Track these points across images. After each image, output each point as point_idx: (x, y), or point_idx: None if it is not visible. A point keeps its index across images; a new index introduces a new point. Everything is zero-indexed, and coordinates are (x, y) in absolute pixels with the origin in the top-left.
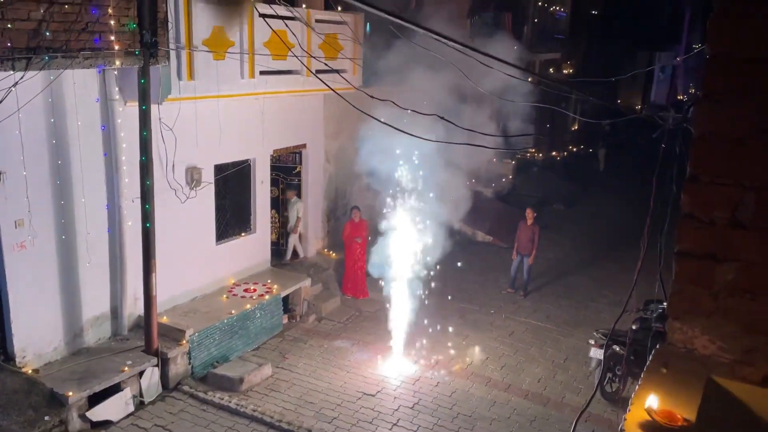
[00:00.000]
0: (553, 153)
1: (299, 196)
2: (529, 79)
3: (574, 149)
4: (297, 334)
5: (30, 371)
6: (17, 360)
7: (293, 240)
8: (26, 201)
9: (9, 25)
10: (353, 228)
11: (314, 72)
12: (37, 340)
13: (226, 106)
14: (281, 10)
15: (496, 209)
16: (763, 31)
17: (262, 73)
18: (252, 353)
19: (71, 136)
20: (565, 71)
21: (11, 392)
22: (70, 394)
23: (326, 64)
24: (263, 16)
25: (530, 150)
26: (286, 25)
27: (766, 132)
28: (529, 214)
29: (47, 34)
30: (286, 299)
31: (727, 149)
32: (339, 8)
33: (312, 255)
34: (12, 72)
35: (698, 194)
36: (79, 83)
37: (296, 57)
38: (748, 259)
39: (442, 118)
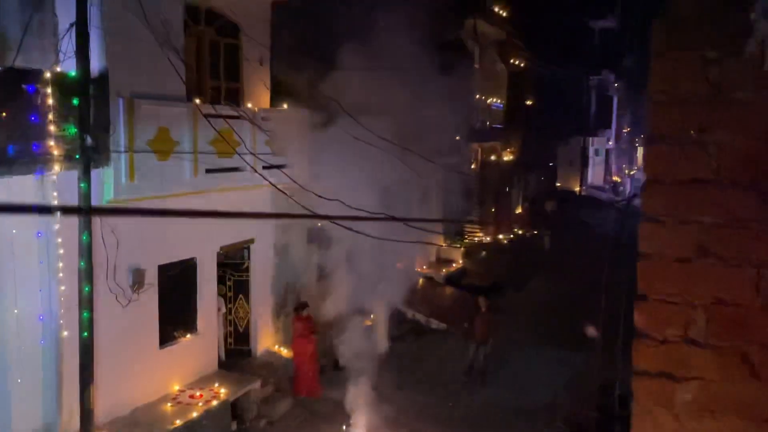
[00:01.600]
0: (500, 236)
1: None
2: (473, 167)
3: (520, 231)
4: None
5: None
6: None
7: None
8: None
9: None
10: (302, 324)
11: (260, 169)
12: None
13: (171, 204)
14: (226, 110)
15: (450, 295)
16: (696, 156)
17: (208, 170)
18: None
19: (5, 245)
20: (505, 157)
21: None
22: None
23: (267, 163)
24: (207, 116)
25: (477, 234)
26: (229, 125)
27: (709, 253)
28: (483, 302)
29: None
30: (234, 403)
31: (674, 269)
32: (285, 105)
33: (262, 352)
34: None
35: (649, 312)
36: (15, 190)
37: (240, 156)
38: (706, 377)
39: (394, 218)
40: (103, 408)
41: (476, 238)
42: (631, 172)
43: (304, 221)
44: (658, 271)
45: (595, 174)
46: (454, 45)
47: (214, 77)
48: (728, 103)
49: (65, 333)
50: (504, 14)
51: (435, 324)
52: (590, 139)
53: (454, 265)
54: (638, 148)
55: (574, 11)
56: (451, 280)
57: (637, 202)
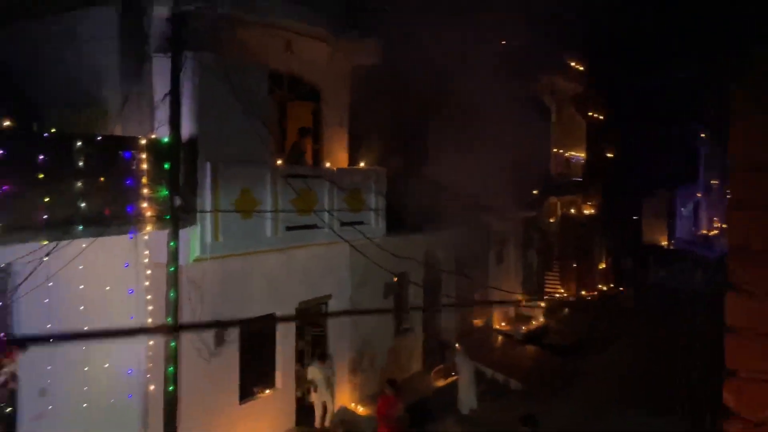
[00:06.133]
0: (582, 292)
1: (321, 352)
2: (551, 220)
3: (604, 288)
4: None
5: None
6: None
7: (321, 406)
8: (50, 370)
9: (46, 199)
10: (385, 404)
11: (336, 227)
12: None
13: (253, 261)
14: (306, 170)
15: (529, 354)
16: None
17: (288, 228)
18: None
19: (99, 301)
20: (585, 211)
21: None
22: None
23: (343, 221)
24: (288, 176)
25: (559, 290)
26: (308, 184)
27: None
28: None
29: (82, 205)
30: None
31: (766, 344)
32: (362, 164)
33: (339, 410)
34: (45, 243)
35: (740, 391)
36: (110, 249)
37: (317, 215)
38: None
39: (465, 275)
40: None
41: (557, 295)
42: (724, 225)
43: (379, 276)
44: (748, 346)
45: (683, 227)
46: (531, 100)
47: (300, 140)
48: None
49: (152, 387)
50: (581, 68)
51: (513, 384)
52: (677, 191)
53: (533, 322)
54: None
55: (657, 60)
56: (531, 338)
57: None
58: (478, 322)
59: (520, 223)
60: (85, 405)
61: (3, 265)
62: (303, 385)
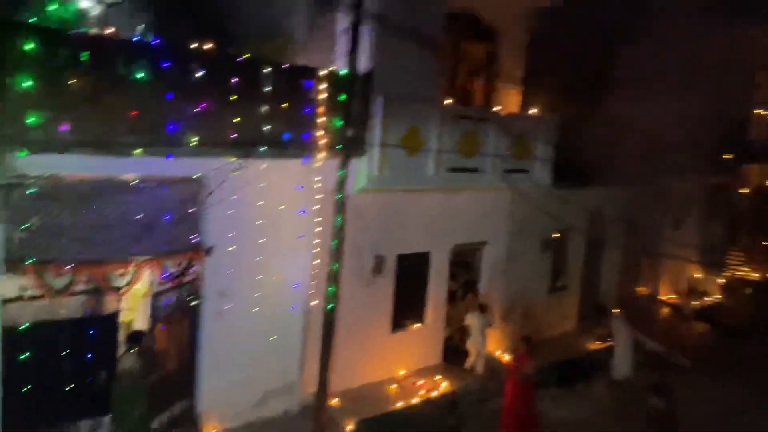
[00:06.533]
0: None
1: (482, 304)
2: (744, 190)
3: None
4: None
5: None
6: (202, 422)
7: (474, 352)
8: (230, 274)
9: (236, 119)
10: (516, 361)
11: (498, 173)
12: (220, 405)
13: (413, 198)
14: (475, 111)
15: (699, 332)
16: None
17: (450, 169)
18: None
19: (274, 218)
20: None
21: None
22: None
23: (506, 168)
24: (456, 117)
25: (743, 267)
26: (475, 128)
27: None
28: None
29: (265, 128)
30: (453, 399)
31: None
32: (533, 110)
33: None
34: (233, 159)
35: None
36: (286, 172)
37: (480, 158)
38: None
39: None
40: (337, 377)
41: (740, 272)
42: None
43: (538, 228)
44: None
45: None
46: (734, 53)
47: (469, 80)
48: None
49: (314, 303)
50: None
51: (675, 358)
52: None
53: (707, 298)
54: None
55: None
56: (703, 314)
57: None
58: (642, 290)
59: (705, 190)
60: (256, 309)
61: (197, 176)
62: (452, 326)
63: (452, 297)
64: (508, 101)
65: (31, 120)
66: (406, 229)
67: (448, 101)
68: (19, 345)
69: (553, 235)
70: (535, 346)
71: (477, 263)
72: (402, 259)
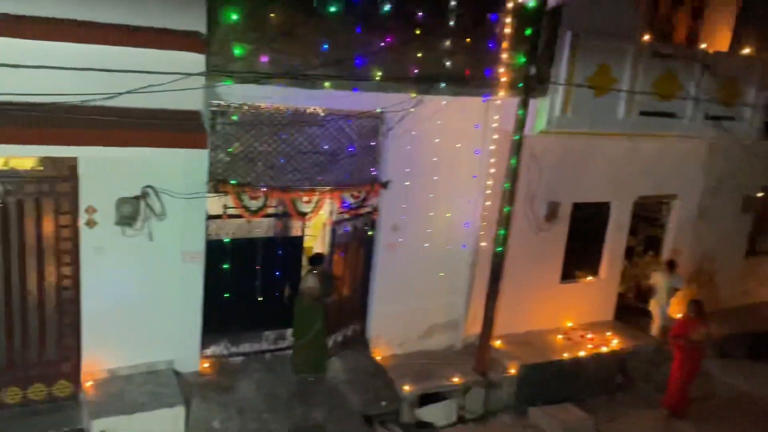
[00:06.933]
0: None
1: (671, 260)
2: None
3: None
4: (630, 399)
5: (378, 358)
6: (371, 345)
7: (659, 313)
8: (403, 208)
9: (419, 54)
10: (683, 325)
11: (698, 120)
12: (388, 332)
13: (596, 143)
14: (676, 49)
15: None
16: None
17: (642, 113)
18: (577, 404)
19: (449, 156)
20: None
21: (361, 372)
22: (407, 388)
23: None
24: (653, 55)
25: None
26: (676, 66)
27: None
28: None
29: (447, 63)
30: (624, 357)
31: None
32: (747, 49)
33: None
34: (413, 95)
35: None
36: (464, 110)
37: (679, 102)
38: None
39: None
40: (501, 320)
41: None
42: None
43: (740, 185)
44: None
45: None
46: None
47: (672, 13)
48: None
49: (483, 244)
50: None
51: None
52: None
53: None
54: None
55: None
56: None
57: None
58: None
59: None
60: (426, 245)
61: (378, 111)
62: (627, 282)
63: (629, 252)
64: (717, 40)
65: (236, 51)
66: (585, 176)
67: (646, 37)
68: (219, 256)
69: (757, 194)
70: (704, 311)
71: (663, 219)
72: (578, 207)
